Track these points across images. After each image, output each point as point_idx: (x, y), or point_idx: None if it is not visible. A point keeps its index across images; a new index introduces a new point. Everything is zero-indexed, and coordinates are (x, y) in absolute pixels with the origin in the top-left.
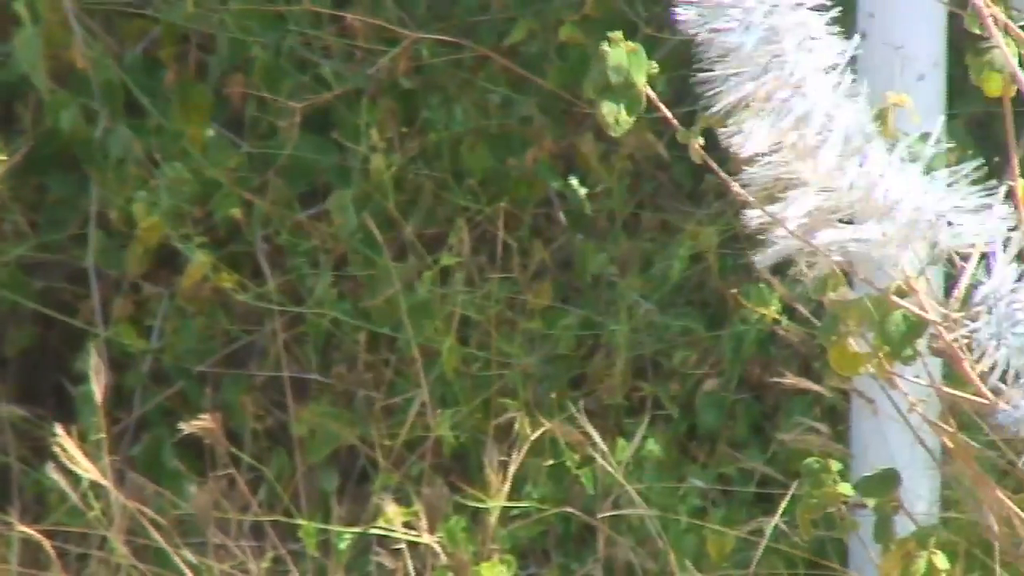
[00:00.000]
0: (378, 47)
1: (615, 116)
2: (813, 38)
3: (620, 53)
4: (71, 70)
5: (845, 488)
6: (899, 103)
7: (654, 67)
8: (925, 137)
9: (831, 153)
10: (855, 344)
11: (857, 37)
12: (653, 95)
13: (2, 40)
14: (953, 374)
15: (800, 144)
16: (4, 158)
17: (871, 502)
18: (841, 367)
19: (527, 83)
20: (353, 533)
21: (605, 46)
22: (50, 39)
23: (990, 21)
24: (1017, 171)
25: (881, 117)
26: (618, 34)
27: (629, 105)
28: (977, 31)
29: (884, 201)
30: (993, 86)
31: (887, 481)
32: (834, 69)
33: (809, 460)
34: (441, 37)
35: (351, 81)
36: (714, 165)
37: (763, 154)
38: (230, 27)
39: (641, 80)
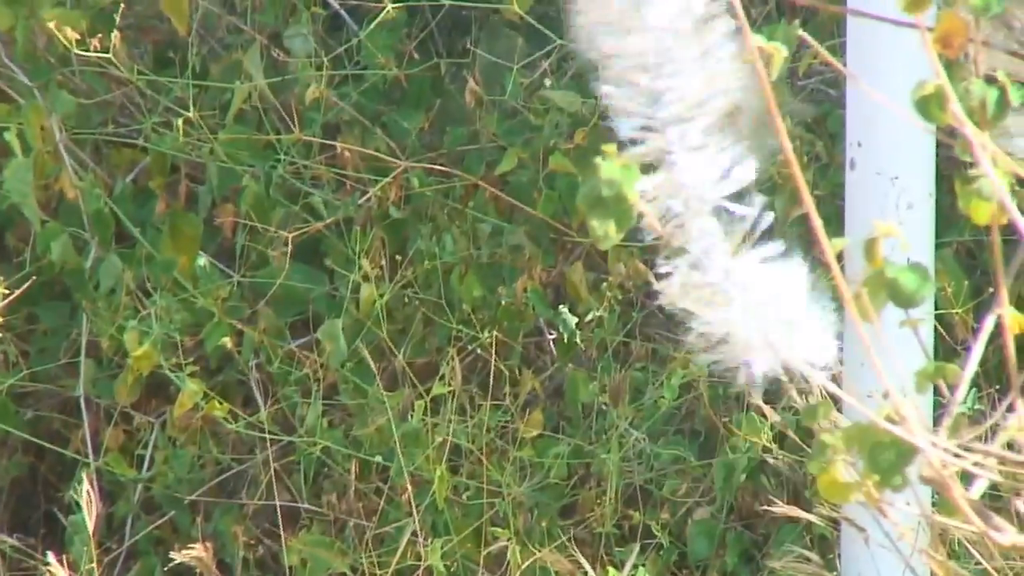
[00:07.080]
0: (368, 176)
1: (604, 230)
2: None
3: (612, 167)
4: (61, 200)
5: None
6: (888, 233)
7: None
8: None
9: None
10: (844, 472)
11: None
12: (647, 211)
13: None
14: (943, 502)
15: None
16: (5, 291)
17: None
18: (831, 495)
19: (517, 212)
20: None
21: (598, 159)
22: (40, 169)
23: (978, 149)
24: (1006, 300)
25: (869, 247)
26: (612, 147)
27: (619, 219)
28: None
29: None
30: (982, 215)
31: None
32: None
33: None
34: (431, 166)
35: (341, 210)
36: None
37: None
38: (220, 157)
39: (632, 195)
